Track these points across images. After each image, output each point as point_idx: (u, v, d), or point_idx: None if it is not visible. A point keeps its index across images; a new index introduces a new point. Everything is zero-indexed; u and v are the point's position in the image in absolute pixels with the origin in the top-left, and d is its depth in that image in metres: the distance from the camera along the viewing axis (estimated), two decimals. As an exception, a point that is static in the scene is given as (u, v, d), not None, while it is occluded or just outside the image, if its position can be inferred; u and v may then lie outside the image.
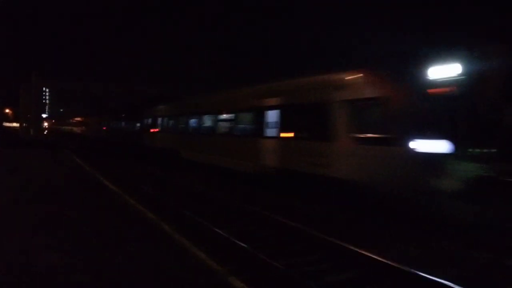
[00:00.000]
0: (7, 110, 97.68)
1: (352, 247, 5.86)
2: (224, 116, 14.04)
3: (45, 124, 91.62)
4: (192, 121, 16.59)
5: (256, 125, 11.88)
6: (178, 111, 18.58)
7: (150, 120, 22.65)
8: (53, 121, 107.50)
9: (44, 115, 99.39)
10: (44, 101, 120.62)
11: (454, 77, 7.00)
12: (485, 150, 7.08)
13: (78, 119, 63.65)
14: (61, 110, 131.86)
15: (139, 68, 59.18)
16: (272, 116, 11.12)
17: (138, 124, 25.94)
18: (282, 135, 10.64)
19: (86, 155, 21.94)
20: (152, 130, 21.95)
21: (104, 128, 36.37)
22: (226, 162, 13.39)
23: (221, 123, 14.26)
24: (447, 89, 7.09)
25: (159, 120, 20.95)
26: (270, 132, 11.20)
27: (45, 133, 65.36)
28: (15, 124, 46.50)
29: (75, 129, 63.89)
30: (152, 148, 21.74)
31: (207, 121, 15.30)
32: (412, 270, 4.90)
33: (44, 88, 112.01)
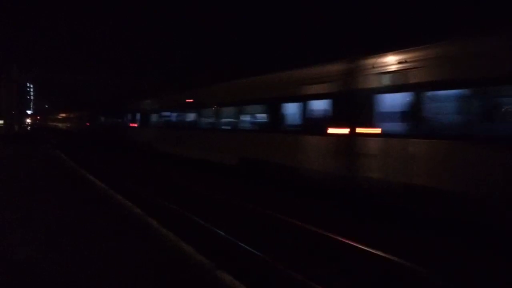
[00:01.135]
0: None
1: None
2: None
3: (28, 120, 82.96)
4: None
5: None
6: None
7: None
8: (38, 117, 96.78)
9: (29, 111, 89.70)
10: (28, 96, 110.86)
11: None
12: None
13: (69, 114, 50.22)
14: (46, 106, 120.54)
15: (139, 61, 49.79)
16: None
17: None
18: None
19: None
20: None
21: (132, 125, 23.63)
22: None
23: None
24: None
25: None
26: None
27: (28, 129, 54.75)
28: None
29: (64, 126, 51.68)
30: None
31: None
32: None
33: (28, 84, 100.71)
